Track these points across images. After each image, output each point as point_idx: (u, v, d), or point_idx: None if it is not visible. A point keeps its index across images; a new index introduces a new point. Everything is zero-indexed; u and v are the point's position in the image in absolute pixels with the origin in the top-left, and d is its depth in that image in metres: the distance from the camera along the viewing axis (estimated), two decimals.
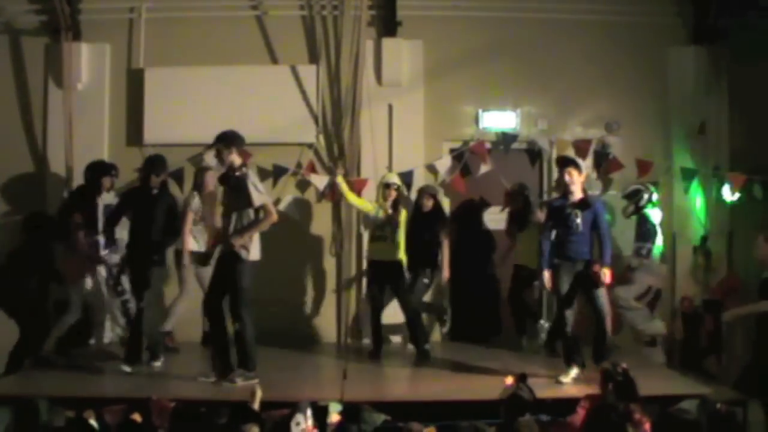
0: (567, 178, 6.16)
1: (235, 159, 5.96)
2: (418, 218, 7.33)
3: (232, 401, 5.11)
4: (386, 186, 7.29)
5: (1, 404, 4.88)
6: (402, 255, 7.19)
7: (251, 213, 5.87)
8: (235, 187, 5.88)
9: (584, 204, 6.18)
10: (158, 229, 6.55)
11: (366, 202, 7.44)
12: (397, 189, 7.31)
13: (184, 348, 7.29)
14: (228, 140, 5.99)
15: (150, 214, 6.56)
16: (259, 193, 5.87)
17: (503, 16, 8.14)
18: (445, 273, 7.35)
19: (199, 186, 7.14)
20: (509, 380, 4.36)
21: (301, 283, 8.13)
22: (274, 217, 5.93)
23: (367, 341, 7.64)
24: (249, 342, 5.89)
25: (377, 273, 7.29)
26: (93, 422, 4.49)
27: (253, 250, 5.89)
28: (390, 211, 7.24)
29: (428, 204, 7.33)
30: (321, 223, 8.16)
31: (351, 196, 7.49)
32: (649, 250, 7.39)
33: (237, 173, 5.89)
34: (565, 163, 6.34)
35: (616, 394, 4.08)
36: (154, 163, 6.74)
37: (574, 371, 6.06)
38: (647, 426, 4.04)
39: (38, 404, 4.51)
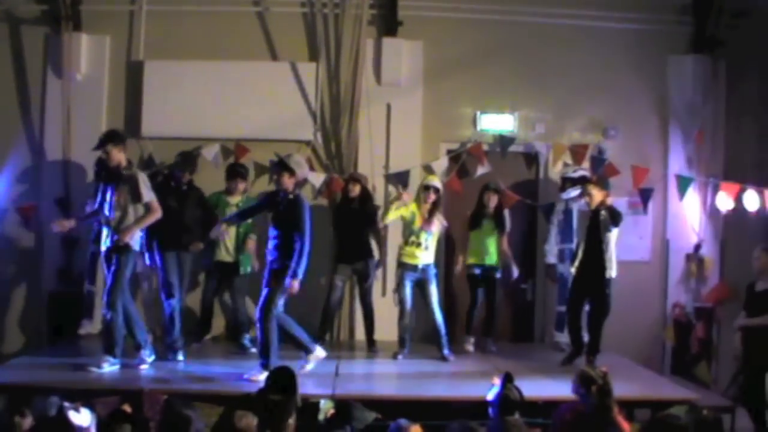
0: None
1: (119, 157, 6.19)
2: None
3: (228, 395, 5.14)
4: (425, 188, 7.06)
5: None
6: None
7: (140, 208, 6.16)
8: (125, 184, 6.13)
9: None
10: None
11: (399, 210, 7.04)
12: (437, 192, 7.06)
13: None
14: (109, 139, 6.21)
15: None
16: (148, 190, 6.19)
17: (504, 20, 8.17)
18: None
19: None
20: (495, 380, 4.38)
21: None
22: (158, 214, 6.25)
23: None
24: (119, 330, 6.13)
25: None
26: (85, 413, 4.47)
27: (135, 241, 6.22)
28: (426, 216, 6.98)
29: (355, 190, 7.38)
30: (315, 221, 8.12)
31: (393, 215, 7.06)
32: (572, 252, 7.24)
33: (126, 171, 6.18)
34: None
35: (598, 398, 4.09)
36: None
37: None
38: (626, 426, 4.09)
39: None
